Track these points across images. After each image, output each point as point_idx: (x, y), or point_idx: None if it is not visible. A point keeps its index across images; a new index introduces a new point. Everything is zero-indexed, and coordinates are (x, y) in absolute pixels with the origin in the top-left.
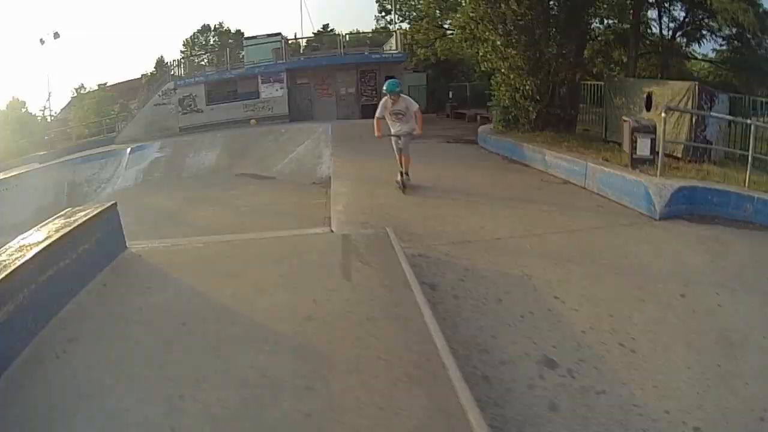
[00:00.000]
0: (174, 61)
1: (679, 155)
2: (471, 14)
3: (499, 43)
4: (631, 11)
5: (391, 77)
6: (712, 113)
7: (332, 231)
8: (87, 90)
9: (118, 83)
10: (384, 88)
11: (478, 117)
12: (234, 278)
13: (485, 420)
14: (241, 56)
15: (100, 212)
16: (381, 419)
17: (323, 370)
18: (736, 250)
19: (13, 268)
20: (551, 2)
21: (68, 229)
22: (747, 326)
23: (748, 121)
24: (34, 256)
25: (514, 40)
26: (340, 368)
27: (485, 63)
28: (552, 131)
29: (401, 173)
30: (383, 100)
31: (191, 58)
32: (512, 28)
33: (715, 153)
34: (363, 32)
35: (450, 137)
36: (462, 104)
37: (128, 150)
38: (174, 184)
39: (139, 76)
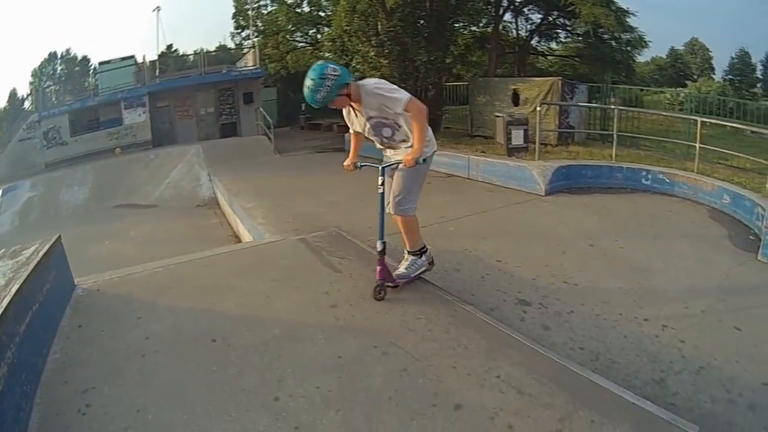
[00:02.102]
0: (33, 91)
1: (553, 142)
2: (345, 28)
3: (372, 54)
4: (492, 17)
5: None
6: (578, 103)
7: (284, 238)
8: None
9: None
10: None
11: (334, 126)
12: (227, 290)
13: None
14: (95, 82)
15: (50, 248)
16: (454, 354)
17: (384, 338)
18: (617, 209)
19: None
20: (420, 12)
21: (27, 270)
22: (647, 258)
23: (612, 107)
24: (7, 306)
25: (386, 51)
26: (396, 333)
27: (356, 73)
28: None
29: (382, 282)
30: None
31: (50, 87)
32: (385, 39)
33: (578, 135)
34: (219, 49)
35: (317, 147)
36: (315, 115)
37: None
38: (56, 224)
39: None
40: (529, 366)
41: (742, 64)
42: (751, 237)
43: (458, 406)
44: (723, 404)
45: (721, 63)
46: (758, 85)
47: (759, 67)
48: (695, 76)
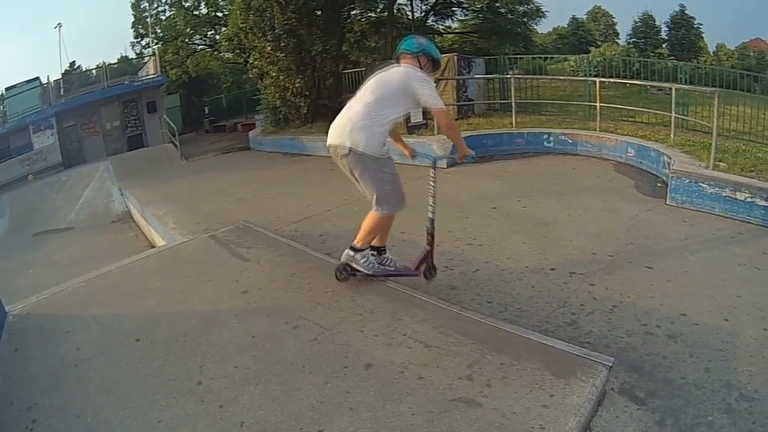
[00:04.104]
0: None
1: (453, 116)
2: (241, 25)
3: (269, 48)
4: (385, 1)
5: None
6: (474, 76)
7: (194, 237)
8: None
9: None
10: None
11: (239, 126)
12: (145, 293)
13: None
14: (3, 109)
15: None
16: (361, 319)
17: (294, 314)
18: (520, 172)
19: None
20: (314, 3)
21: None
22: (551, 213)
23: (508, 76)
24: None
25: (282, 44)
26: (304, 308)
27: (255, 69)
28: (322, 121)
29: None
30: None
31: None
32: (281, 33)
33: (478, 108)
34: (121, 60)
35: (222, 149)
36: (220, 117)
37: None
38: None
39: None
40: (434, 321)
41: (645, 27)
42: (658, 184)
43: (368, 365)
44: (641, 337)
45: (625, 28)
46: (664, 45)
47: (664, 28)
48: (599, 43)
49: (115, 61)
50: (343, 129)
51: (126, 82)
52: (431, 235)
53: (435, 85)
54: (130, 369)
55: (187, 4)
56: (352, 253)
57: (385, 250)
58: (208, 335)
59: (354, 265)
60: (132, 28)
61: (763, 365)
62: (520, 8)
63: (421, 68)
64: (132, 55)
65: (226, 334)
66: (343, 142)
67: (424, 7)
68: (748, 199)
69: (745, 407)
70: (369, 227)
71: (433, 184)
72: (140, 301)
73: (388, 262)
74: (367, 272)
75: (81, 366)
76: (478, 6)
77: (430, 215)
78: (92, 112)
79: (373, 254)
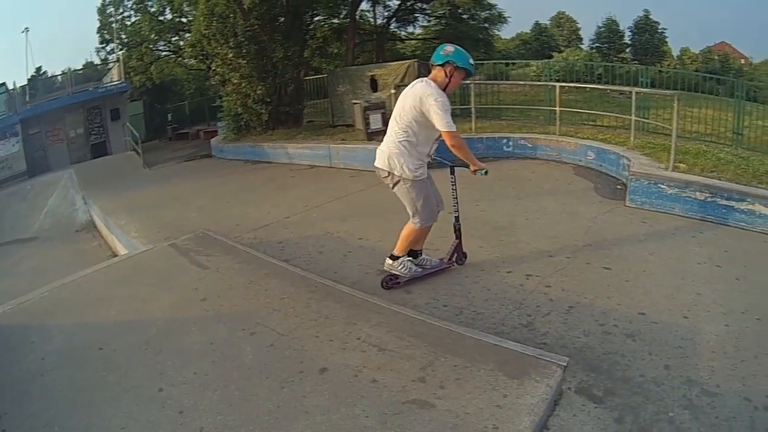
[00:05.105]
0: None
1: None
2: (204, 32)
3: (231, 55)
4: (348, 7)
5: None
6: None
7: (155, 246)
8: None
9: None
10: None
11: (201, 133)
12: (108, 301)
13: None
14: None
15: None
16: (316, 324)
17: (251, 320)
18: (477, 177)
19: None
20: (277, 9)
21: None
22: (509, 217)
23: (468, 82)
24: None
25: (244, 51)
26: (261, 314)
27: (217, 76)
28: (283, 128)
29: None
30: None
31: None
32: (243, 39)
33: None
34: (86, 66)
35: (185, 156)
36: (183, 124)
37: None
38: None
39: None
40: (388, 325)
41: (609, 32)
42: (618, 186)
43: (323, 369)
44: (598, 336)
45: (589, 33)
46: (627, 50)
47: (628, 33)
48: (562, 48)
49: (81, 66)
50: (383, 154)
51: (90, 89)
52: (458, 230)
53: (441, 100)
54: (95, 377)
55: (152, 10)
56: (390, 261)
57: (421, 252)
58: (168, 342)
59: (394, 272)
60: (97, 33)
61: (724, 361)
62: (482, 14)
63: (448, 78)
64: (97, 60)
65: (185, 341)
66: (383, 166)
67: (386, 14)
68: (709, 199)
69: (707, 402)
70: (405, 237)
71: (453, 186)
72: (103, 310)
73: (425, 262)
74: (406, 276)
75: (47, 376)
76: (440, 12)
77: (456, 214)
78: (57, 119)
79: (410, 259)
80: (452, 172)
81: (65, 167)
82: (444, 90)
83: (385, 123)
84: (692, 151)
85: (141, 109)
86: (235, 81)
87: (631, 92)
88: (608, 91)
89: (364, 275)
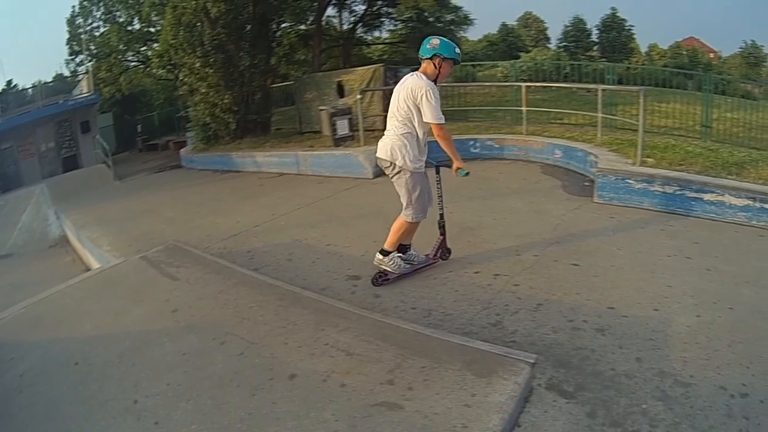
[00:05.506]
0: None
1: (381, 127)
2: (171, 41)
3: (198, 65)
4: (314, 13)
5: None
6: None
7: (127, 259)
8: None
9: None
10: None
11: (171, 143)
12: (82, 316)
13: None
14: None
15: None
16: (285, 331)
17: (221, 329)
18: (445, 179)
19: None
20: (243, 18)
21: None
22: (476, 217)
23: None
24: None
25: (211, 60)
26: (231, 324)
27: (185, 86)
28: (251, 137)
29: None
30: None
31: None
32: (210, 48)
33: None
34: (56, 79)
35: (154, 168)
36: (152, 135)
37: None
38: None
39: None
40: (355, 330)
41: (576, 31)
42: (586, 183)
43: (293, 375)
44: (567, 332)
45: (556, 32)
46: (595, 48)
47: (595, 31)
48: (529, 48)
49: (51, 79)
50: (385, 145)
51: (60, 102)
52: (442, 227)
53: (431, 93)
54: (72, 392)
55: (120, 20)
56: (381, 256)
57: (410, 247)
58: (141, 355)
59: (384, 268)
60: (67, 44)
61: (697, 351)
62: (448, 17)
63: (437, 69)
64: (67, 72)
65: (158, 352)
66: (386, 156)
67: (352, 19)
68: (678, 192)
69: (681, 392)
70: (396, 231)
71: (439, 185)
72: (78, 325)
73: (413, 257)
74: (396, 273)
75: (26, 392)
76: (407, 16)
77: (440, 211)
78: (28, 133)
79: (399, 255)
80: (437, 172)
81: (37, 182)
82: (435, 80)
83: (352, 129)
84: (660, 146)
85: (111, 121)
86: (203, 90)
87: (597, 90)
88: (575, 89)
89: (332, 281)
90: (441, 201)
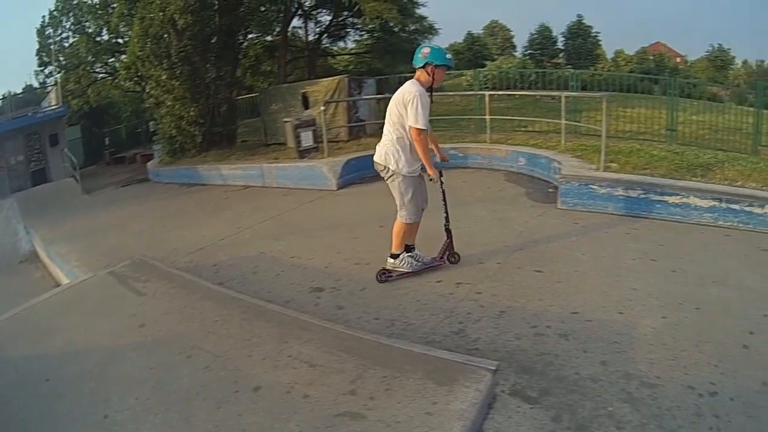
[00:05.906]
0: None
1: (345, 138)
2: (138, 53)
3: (164, 77)
4: (280, 24)
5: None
6: (365, 97)
7: (95, 275)
8: None
9: None
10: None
11: (138, 157)
12: (53, 332)
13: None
14: None
15: None
16: (249, 344)
17: (187, 343)
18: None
19: None
20: (209, 29)
21: None
22: (439, 228)
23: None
24: None
25: (178, 72)
26: (197, 337)
27: (151, 98)
28: (217, 149)
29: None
30: (422, 92)
31: None
32: (176, 60)
33: (370, 128)
34: (25, 90)
35: (122, 181)
36: (120, 148)
37: None
38: None
39: None
40: (318, 341)
41: (542, 39)
42: (550, 190)
43: (257, 387)
44: (531, 338)
45: (522, 41)
46: (560, 55)
47: (561, 39)
48: (495, 56)
49: (21, 90)
50: (381, 150)
51: (30, 114)
52: (448, 230)
53: (419, 99)
54: (45, 408)
55: (89, 31)
56: (392, 260)
57: (414, 247)
58: (110, 370)
59: (398, 269)
60: (36, 55)
61: (663, 352)
62: (412, 26)
63: (431, 77)
64: (36, 84)
65: (126, 367)
66: (381, 161)
67: (317, 30)
68: (642, 196)
69: (647, 394)
70: (397, 233)
71: (442, 188)
72: (48, 341)
73: (419, 257)
74: (408, 271)
75: (1, 410)
76: (371, 26)
77: (445, 214)
78: None
79: (409, 254)
80: (440, 175)
81: (6, 196)
82: (431, 87)
83: (316, 140)
84: (625, 150)
85: (79, 134)
86: (169, 103)
87: (560, 97)
88: (539, 96)
89: (296, 293)
90: (445, 205)
